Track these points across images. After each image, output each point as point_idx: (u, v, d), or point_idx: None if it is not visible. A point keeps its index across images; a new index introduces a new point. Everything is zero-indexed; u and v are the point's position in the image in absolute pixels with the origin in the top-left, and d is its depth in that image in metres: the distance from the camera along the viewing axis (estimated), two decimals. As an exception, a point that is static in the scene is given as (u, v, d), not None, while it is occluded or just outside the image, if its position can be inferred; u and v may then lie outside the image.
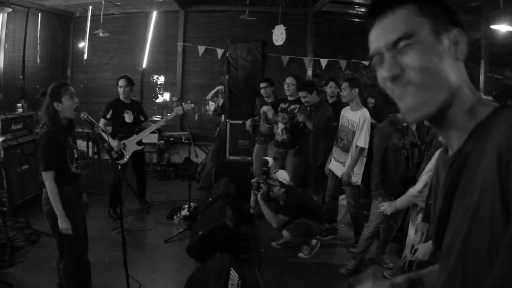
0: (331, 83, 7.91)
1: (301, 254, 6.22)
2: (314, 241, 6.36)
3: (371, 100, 8.31)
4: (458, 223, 1.24)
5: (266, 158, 6.95)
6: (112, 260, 5.63)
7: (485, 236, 1.11)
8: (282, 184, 6.25)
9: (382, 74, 1.30)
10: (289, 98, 7.71)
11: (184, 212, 7.40)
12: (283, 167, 7.30)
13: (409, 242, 4.82)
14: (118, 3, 10.73)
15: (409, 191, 4.81)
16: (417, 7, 1.27)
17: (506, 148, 1.07)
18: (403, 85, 1.26)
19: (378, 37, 1.33)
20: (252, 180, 6.48)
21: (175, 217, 7.43)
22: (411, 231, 4.95)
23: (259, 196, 6.22)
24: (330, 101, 7.82)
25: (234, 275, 4.26)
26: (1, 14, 8.91)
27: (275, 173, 6.37)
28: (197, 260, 5.73)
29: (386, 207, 5.12)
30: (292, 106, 7.59)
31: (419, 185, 4.66)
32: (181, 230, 6.92)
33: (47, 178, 4.24)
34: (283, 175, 6.34)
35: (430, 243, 4.09)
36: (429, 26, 1.26)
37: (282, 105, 7.71)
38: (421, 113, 1.26)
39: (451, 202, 1.28)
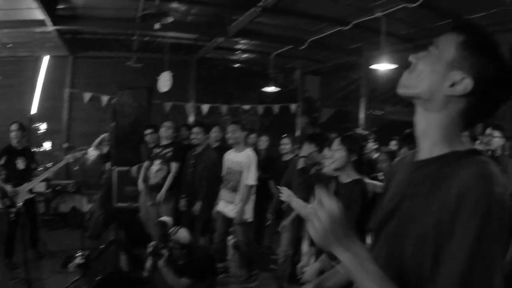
0: (215, 128, 8.12)
1: None
2: None
3: (263, 138, 8.61)
4: (410, 218, 1.46)
5: (163, 219, 6.74)
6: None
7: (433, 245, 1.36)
8: (182, 246, 6.07)
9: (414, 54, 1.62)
10: (164, 142, 7.86)
11: (78, 260, 7.30)
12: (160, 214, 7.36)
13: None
14: (10, 45, 10.57)
15: None
16: (461, 40, 1.50)
17: (464, 191, 1.32)
18: (409, 69, 1.59)
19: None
20: (150, 245, 6.20)
21: (69, 266, 7.33)
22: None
23: (160, 263, 5.94)
24: (214, 145, 8.01)
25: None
26: None
27: (174, 234, 6.34)
28: (95, 306, 5.72)
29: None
30: (166, 150, 7.76)
31: None
32: (76, 278, 6.81)
33: None
34: (183, 235, 6.17)
35: (317, 264, 4.35)
36: (450, 55, 1.50)
37: (156, 150, 7.88)
38: (402, 92, 1.59)
39: (406, 197, 1.52)
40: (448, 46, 1.51)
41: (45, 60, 11.13)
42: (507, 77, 1.46)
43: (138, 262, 6.91)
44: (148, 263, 6.28)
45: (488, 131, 6.42)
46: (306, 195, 5.22)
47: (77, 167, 8.24)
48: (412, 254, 1.41)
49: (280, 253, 6.08)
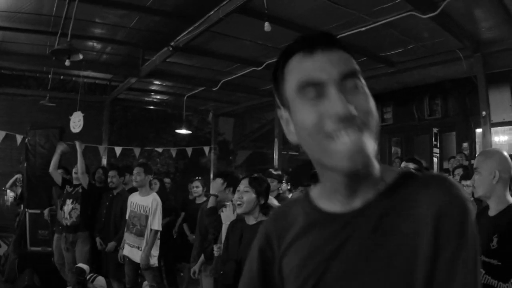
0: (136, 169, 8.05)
1: None
2: None
3: (167, 180, 8.60)
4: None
5: (80, 266, 6.71)
6: None
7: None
8: (80, 276, 6.10)
9: (327, 109, 1.10)
10: (75, 182, 7.74)
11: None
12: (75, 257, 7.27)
13: None
14: None
15: None
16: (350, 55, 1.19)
17: (445, 211, 1.10)
18: (357, 127, 1.09)
19: (323, 68, 1.14)
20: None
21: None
22: None
23: None
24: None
25: None
26: None
27: (92, 281, 6.21)
28: None
29: None
30: (77, 189, 7.65)
31: None
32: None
33: None
34: (101, 283, 6.23)
35: None
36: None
37: (68, 188, 7.74)
38: (363, 158, 1.10)
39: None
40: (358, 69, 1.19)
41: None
42: None
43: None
44: None
45: (403, 164, 6.54)
46: (217, 234, 5.21)
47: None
48: None
49: None
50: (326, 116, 1.10)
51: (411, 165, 5.89)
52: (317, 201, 1.31)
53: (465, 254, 1.09)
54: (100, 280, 6.22)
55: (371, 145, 1.10)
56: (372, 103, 1.14)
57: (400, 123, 11.97)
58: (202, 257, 5.87)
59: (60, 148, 7.71)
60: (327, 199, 1.27)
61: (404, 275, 1.11)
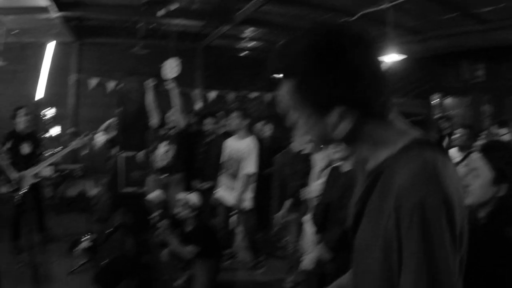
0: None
1: None
2: None
3: (267, 127, 8.67)
4: (365, 234, 1.42)
5: (151, 196, 6.96)
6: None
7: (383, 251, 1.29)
8: (193, 208, 6.10)
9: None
10: (170, 125, 7.90)
11: (84, 244, 7.39)
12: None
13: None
14: (15, 31, 10.65)
15: None
16: (296, 83, 1.37)
17: (403, 196, 1.23)
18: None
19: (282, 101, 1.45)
20: (153, 216, 6.30)
21: (76, 250, 7.44)
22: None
23: (163, 231, 6.03)
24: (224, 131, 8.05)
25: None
26: None
27: (184, 197, 6.21)
28: (104, 288, 5.85)
29: None
30: (171, 132, 7.83)
31: None
32: (83, 262, 6.94)
33: None
34: (194, 198, 6.20)
35: (314, 253, 4.47)
36: (309, 104, 1.38)
37: (162, 130, 7.95)
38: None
39: (362, 213, 1.43)
40: (297, 102, 1.40)
41: (50, 46, 11.16)
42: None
43: (145, 246, 7.02)
44: (157, 232, 6.35)
45: (493, 129, 6.44)
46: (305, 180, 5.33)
47: (86, 151, 8.29)
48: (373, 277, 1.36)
49: (289, 243, 6.15)
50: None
51: (503, 130, 5.87)
52: None
53: (409, 249, 1.21)
54: (194, 196, 6.26)
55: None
56: (304, 127, 1.44)
57: (491, 82, 11.66)
58: (288, 203, 5.98)
59: (149, 82, 7.83)
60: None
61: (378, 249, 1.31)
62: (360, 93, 1.32)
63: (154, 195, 6.84)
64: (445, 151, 1.41)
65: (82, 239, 7.47)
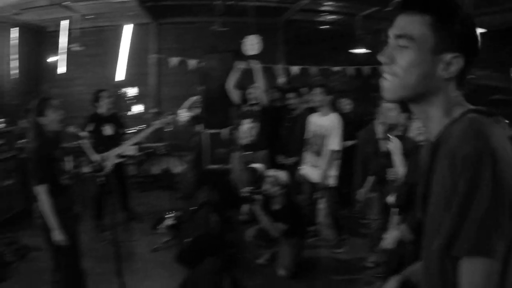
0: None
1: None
2: None
3: (347, 102, 8.42)
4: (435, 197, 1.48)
5: (254, 165, 6.93)
6: (103, 271, 5.64)
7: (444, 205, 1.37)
8: (282, 186, 6.08)
9: (381, 54, 1.56)
10: (253, 101, 7.83)
11: (168, 221, 7.45)
12: None
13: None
14: (91, 16, 10.79)
15: None
16: (430, 21, 1.46)
17: (454, 151, 1.36)
18: (389, 72, 1.53)
19: (393, 27, 1.56)
20: (244, 191, 6.29)
21: (159, 227, 7.51)
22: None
23: (254, 207, 5.98)
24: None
25: (225, 281, 4.35)
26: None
27: (272, 174, 6.19)
28: (187, 267, 5.82)
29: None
30: (254, 108, 7.77)
31: None
32: (167, 239, 7.01)
33: (40, 192, 4.32)
34: (283, 175, 6.20)
35: (396, 232, 4.32)
36: (432, 40, 1.46)
37: (246, 107, 7.88)
38: (392, 97, 1.55)
39: (430, 181, 1.51)
40: (421, 32, 1.48)
41: (127, 28, 11.28)
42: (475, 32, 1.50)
43: (229, 224, 6.99)
44: (244, 209, 6.38)
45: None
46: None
47: (170, 128, 8.35)
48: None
49: (371, 221, 5.98)
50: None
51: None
52: None
53: (456, 199, 1.32)
54: (283, 173, 6.21)
55: (390, 84, 1.53)
56: (407, 59, 1.48)
57: None
58: (371, 179, 5.76)
59: (240, 66, 7.80)
60: None
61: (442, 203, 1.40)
62: (475, 44, 1.50)
63: (258, 166, 6.81)
64: (498, 120, 1.60)
65: (166, 217, 7.54)
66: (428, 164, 1.54)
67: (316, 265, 6.21)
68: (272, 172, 6.18)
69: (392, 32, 1.55)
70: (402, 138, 4.94)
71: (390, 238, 4.40)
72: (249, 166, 7.07)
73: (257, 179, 6.48)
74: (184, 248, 6.13)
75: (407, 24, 1.50)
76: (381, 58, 1.54)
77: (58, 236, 4.33)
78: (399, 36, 1.51)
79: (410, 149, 4.57)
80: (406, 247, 4.05)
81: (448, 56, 1.46)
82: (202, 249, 5.76)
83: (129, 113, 11.24)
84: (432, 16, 1.46)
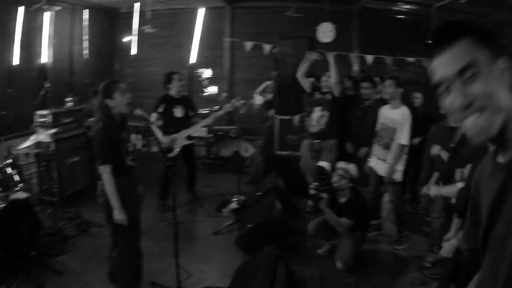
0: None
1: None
2: None
3: (418, 95, 8.20)
4: None
5: (321, 164, 6.82)
6: (162, 251, 5.83)
7: None
8: (351, 179, 5.97)
9: (451, 101, 1.43)
10: (325, 89, 7.68)
11: (233, 205, 7.51)
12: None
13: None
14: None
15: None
16: (472, 40, 1.41)
17: None
18: (473, 112, 1.38)
19: (443, 68, 1.46)
20: (311, 188, 6.02)
21: (224, 210, 7.57)
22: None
23: (321, 205, 5.83)
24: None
25: (281, 269, 4.33)
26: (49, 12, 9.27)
27: (346, 165, 6.08)
28: (246, 252, 5.88)
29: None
30: (326, 97, 7.64)
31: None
32: (230, 223, 7.06)
33: (104, 171, 4.43)
34: (353, 169, 6.06)
35: (454, 241, 4.17)
36: (486, 55, 1.40)
37: (317, 95, 7.77)
38: (487, 136, 1.40)
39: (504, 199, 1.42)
40: (478, 52, 1.41)
41: (201, 11, 11.33)
42: None
43: (293, 212, 6.95)
44: (311, 203, 6.38)
45: None
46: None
47: (242, 111, 8.39)
48: None
49: (433, 219, 5.81)
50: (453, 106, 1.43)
51: None
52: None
53: None
54: (353, 167, 6.09)
55: (489, 122, 1.37)
56: (487, 84, 1.38)
57: None
58: (435, 176, 5.57)
59: (310, 56, 7.74)
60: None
61: None
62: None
63: (325, 164, 6.70)
64: None
65: (231, 200, 7.59)
66: (503, 184, 1.44)
67: (375, 260, 6.10)
68: (342, 165, 6.06)
69: (445, 74, 1.46)
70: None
71: (447, 246, 4.27)
72: (317, 163, 6.97)
73: (323, 176, 6.38)
74: (245, 233, 6.13)
75: (461, 55, 1.42)
76: (455, 103, 1.43)
77: (118, 215, 4.43)
78: (463, 70, 1.41)
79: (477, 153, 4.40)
80: (463, 256, 3.91)
81: (500, 62, 1.41)
82: (262, 236, 5.77)
83: (203, 94, 11.34)
84: (471, 35, 1.43)
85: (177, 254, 4.73)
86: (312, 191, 5.90)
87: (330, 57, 7.47)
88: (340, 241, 5.88)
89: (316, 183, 5.97)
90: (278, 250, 4.65)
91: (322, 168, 6.67)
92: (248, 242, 5.93)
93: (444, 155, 5.33)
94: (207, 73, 11.41)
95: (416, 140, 6.91)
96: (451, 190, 4.80)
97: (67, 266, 5.76)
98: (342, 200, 5.93)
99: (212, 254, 6.20)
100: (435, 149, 5.50)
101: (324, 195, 5.78)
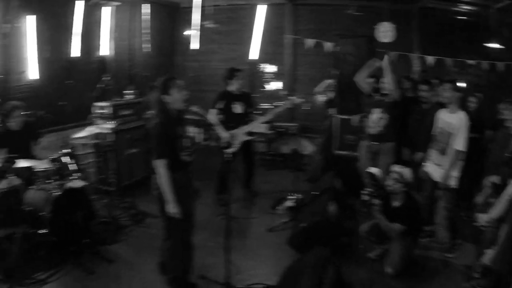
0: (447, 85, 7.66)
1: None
2: None
3: (472, 99, 8.01)
4: None
5: (371, 170, 6.63)
6: (215, 245, 5.86)
7: None
8: (405, 184, 5.87)
9: None
10: (384, 92, 7.54)
11: (289, 203, 7.52)
12: (378, 165, 7.11)
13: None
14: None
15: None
16: None
17: None
18: None
19: None
20: (364, 194, 5.91)
21: (279, 208, 7.59)
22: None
23: (373, 210, 5.77)
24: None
25: (329, 271, 4.34)
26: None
27: (400, 169, 5.98)
28: (297, 251, 5.87)
29: None
30: (386, 99, 7.47)
31: None
32: (284, 221, 7.08)
33: (159, 166, 4.53)
34: (407, 173, 5.95)
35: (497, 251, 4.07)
36: None
37: (376, 97, 7.62)
38: None
39: None
40: None
41: (261, 8, 11.34)
42: None
43: (348, 213, 6.91)
44: (365, 206, 6.11)
45: None
46: None
47: (304, 109, 8.40)
48: None
49: (486, 228, 5.65)
50: None
51: None
52: None
53: None
54: (407, 171, 5.91)
55: None
56: None
57: None
58: (489, 183, 5.44)
59: (374, 63, 7.65)
60: None
61: None
62: None
63: (376, 170, 6.61)
64: None
65: (287, 198, 7.61)
66: None
67: (424, 267, 5.97)
68: (397, 168, 5.97)
69: None
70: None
71: (491, 254, 4.17)
72: (367, 170, 6.88)
73: (375, 182, 6.31)
74: (298, 232, 6.15)
75: None
76: None
77: (172, 208, 4.54)
78: None
79: None
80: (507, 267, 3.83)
81: None
82: (315, 236, 5.78)
83: (264, 90, 11.39)
84: None
85: (229, 249, 4.79)
86: (364, 197, 5.82)
87: (385, 62, 7.35)
88: (391, 245, 5.80)
89: (368, 189, 5.91)
90: (328, 251, 4.66)
91: (372, 174, 6.58)
92: (301, 241, 5.95)
93: None
94: (269, 68, 11.47)
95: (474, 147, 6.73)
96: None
97: (119, 255, 5.95)
98: (396, 204, 5.85)
99: (264, 251, 6.25)
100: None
101: (376, 201, 5.71)
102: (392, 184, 5.80)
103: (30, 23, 7.89)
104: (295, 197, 7.59)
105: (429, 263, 6.09)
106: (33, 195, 5.79)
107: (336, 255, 4.98)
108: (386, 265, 5.62)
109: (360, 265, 5.74)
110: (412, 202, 5.88)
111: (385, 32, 9.61)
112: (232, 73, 7.87)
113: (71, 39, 8.88)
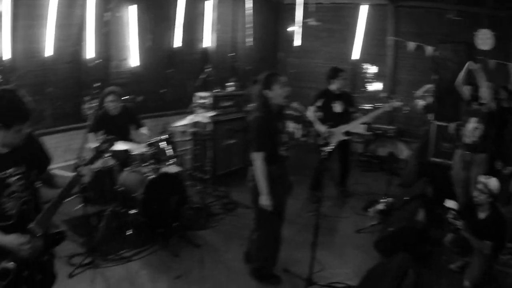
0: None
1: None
2: None
3: (504, 93, 7.75)
4: None
5: (449, 204, 6.02)
6: (302, 240, 5.99)
7: None
8: (491, 194, 5.62)
9: None
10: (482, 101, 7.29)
11: (380, 206, 7.53)
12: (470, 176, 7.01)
13: None
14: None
15: None
16: None
17: None
18: None
19: None
20: (448, 216, 5.67)
21: (370, 210, 7.65)
22: None
23: (462, 232, 5.52)
24: None
25: (410, 278, 4.40)
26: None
27: (486, 179, 5.75)
28: (382, 255, 5.96)
29: None
30: (484, 108, 7.32)
31: None
32: (373, 223, 7.14)
33: (257, 158, 4.75)
34: (494, 184, 5.68)
35: None
36: None
37: (474, 105, 7.38)
38: None
39: None
40: None
41: (363, 8, 11.34)
42: None
43: (436, 222, 6.86)
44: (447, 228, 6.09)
45: None
46: None
47: (403, 112, 8.41)
48: None
49: None
50: None
51: None
52: None
53: None
54: (494, 181, 5.66)
55: None
56: None
57: None
58: None
59: (471, 67, 7.54)
60: None
61: None
62: None
63: (453, 204, 6.45)
64: None
65: (379, 201, 7.66)
66: None
67: (503, 285, 5.84)
68: (483, 179, 5.79)
69: None
70: None
71: None
72: (444, 204, 6.68)
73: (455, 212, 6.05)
74: (384, 236, 6.21)
75: None
76: None
77: (265, 201, 4.74)
78: None
79: None
80: None
81: None
82: (401, 241, 5.83)
83: (365, 90, 11.43)
84: None
85: (315, 246, 4.95)
86: (449, 220, 5.65)
87: (479, 71, 7.14)
88: (473, 259, 5.67)
89: (453, 212, 5.71)
90: (410, 258, 4.72)
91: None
92: (387, 245, 6.01)
93: None
94: (372, 69, 11.49)
95: None
96: None
97: (207, 240, 6.24)
98: (482, 215, 5.70)
99: (350, 251, 6.34)
100: None
101: (460, 223, 5.51)
102: (478, 195, 5.65)
103: (131, 13, 8.39)
104: (387, 200, 7.62)
105: (508, 282, 5.96)
106: (126, 176, 6.23)
107: (418, 263, 5.03)
108: (465, 279, 5.54)
109: (440, 275, 5.75)
110: (498, 215, 5.67)
111: (484, 39, 9.42)
112: (335, 73, 7.98)
113: (173, 30, 9.34)
